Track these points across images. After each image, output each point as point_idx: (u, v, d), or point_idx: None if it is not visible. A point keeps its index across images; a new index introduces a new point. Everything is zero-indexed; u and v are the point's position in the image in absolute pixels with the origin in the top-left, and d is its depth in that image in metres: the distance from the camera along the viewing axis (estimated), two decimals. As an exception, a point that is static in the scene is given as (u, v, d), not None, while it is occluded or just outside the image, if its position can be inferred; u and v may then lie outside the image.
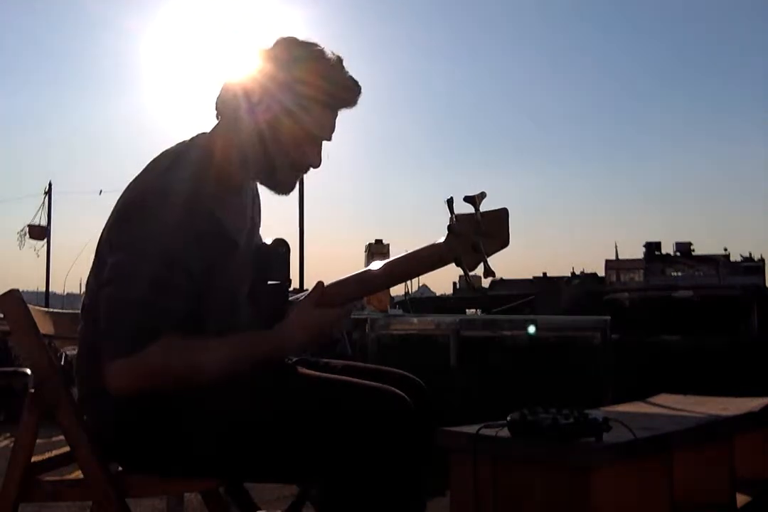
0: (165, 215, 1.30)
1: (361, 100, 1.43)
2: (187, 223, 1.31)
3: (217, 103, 1.44)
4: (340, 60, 1.40)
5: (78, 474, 1.42)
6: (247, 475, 1.39)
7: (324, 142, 1.45)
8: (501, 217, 1.36)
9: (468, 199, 1.33)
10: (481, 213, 1.33)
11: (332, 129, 1.44)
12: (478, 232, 1.32)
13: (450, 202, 1.33)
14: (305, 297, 1.41)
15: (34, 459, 1.43)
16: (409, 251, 1.40)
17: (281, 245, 1.50)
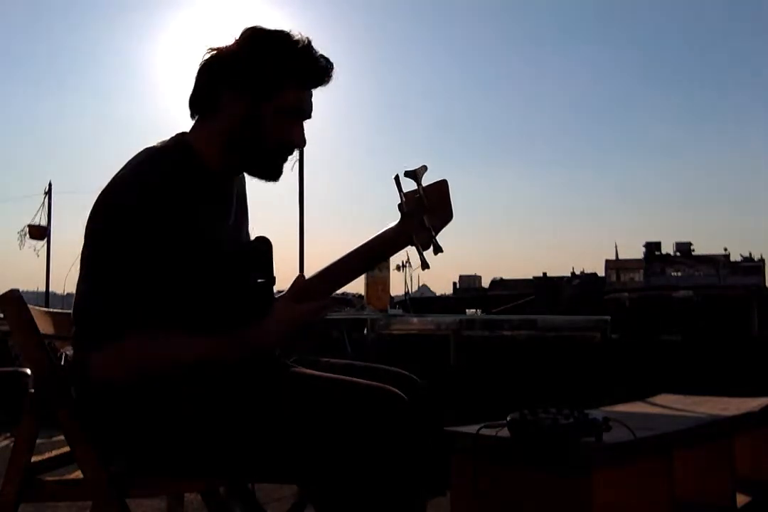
0: (136, 209, 1.29)
1: (335, 77, 1.44)
2: (159, 218, 1.30)
3: (190, 102, 1.45)
4: (308, 40, 1.41)
5: (78, 474, 1.41)
6: (246, 475, 1.39)
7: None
8: (442, 189, 1.36)
9: (409, 174, 1.33)
10: (423, 188, 1.33)
11: (310, 107, 1.45)
12: (423, 208, 1.32)
13: (397, 180, 1.33)
14: (286, 291, 1.41)
15: (34, 459, 1.43)
16: (372, 237, 1.40)
17: (263, 243, 1.49)
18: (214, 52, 1.42)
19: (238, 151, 1.43)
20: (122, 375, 1.30)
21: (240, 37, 1.42)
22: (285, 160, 1.47)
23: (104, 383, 1.31)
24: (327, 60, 1.43)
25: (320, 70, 1.43)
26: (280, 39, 1.41)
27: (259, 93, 1.40)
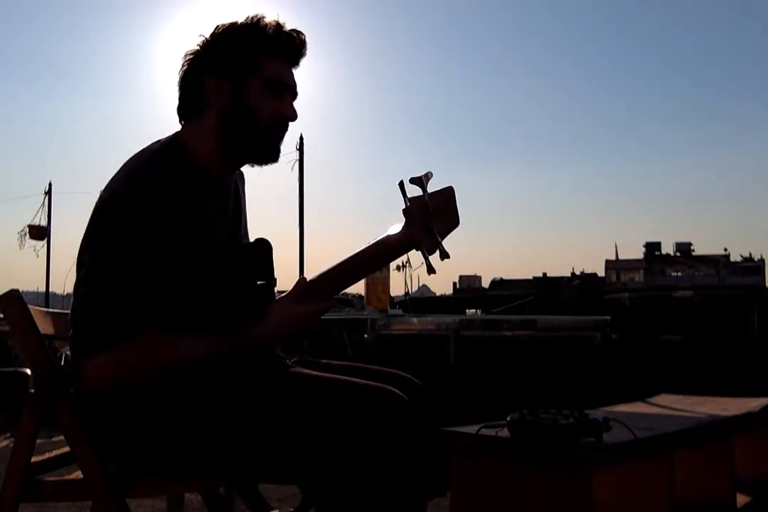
0: (134, 212, 1.29)
1: (310, 49, 1.47)
2: (158, 220, 1.30)
3: (178, 109, 1.47)
4: (277, 18, 1.44)
5: (78, 474, 1.41)
6: (246, 476, 1.39)
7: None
8: (448, 196, 1.37)
9: (414, 181, 1.34)
10: (429, 194, 1.34)
11: (294, 83, 1.47)
12: (429, 214, 1.32)
13: (402, 185, 1.33)
14: (288, 293, 1.41)
15: (34, 459, 1.43)
16: (375, 240, 1.40)
17: (262, 245, 1.49)
18: (190, 55, 1.45)
19: (232, 134, 1.43)
20: (121, 377, 1.30)
21: (211, 33, 1.45)
22: (280, 137, 1.47)
23: (102, 387, 1.31)
24: (298, 32, 1.46)
25: (291, 39, 1.45)
26: (248, 20, 1.44)
27: (239, 69, 1.41)
